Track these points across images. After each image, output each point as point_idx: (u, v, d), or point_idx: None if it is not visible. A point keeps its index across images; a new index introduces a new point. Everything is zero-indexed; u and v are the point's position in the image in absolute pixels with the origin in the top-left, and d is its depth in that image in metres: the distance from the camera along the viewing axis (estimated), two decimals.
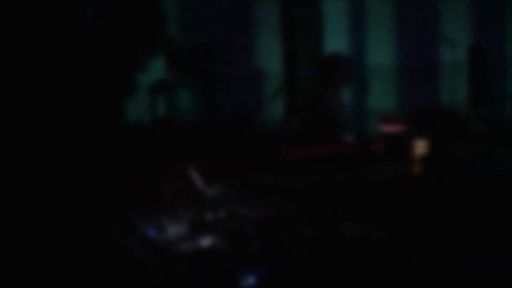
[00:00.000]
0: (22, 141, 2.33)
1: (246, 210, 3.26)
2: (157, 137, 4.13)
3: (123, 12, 2.51)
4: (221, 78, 7.22)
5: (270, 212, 3.27)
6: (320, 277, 2.60)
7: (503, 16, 8.22)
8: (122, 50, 2.49)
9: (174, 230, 3.15)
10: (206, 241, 3.00)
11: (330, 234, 3.01)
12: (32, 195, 2.31)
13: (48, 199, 2.33)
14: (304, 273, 2.63)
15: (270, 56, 7.19)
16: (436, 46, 7.60)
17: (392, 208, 3.55)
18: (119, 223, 2.87)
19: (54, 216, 2.34)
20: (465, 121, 5.79)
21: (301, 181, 4.13)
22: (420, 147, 4.72)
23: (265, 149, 4.55)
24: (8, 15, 2.47)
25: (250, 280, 2.49)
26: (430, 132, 5.01)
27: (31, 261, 2.30)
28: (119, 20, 2.50)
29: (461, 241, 2.99)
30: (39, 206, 2.32)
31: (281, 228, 3.06)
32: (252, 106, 5.22)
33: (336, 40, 7.06)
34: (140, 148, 3.23)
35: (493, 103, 6.91)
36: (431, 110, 5.72)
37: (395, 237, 3.05)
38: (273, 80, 6.59)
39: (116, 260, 2.64)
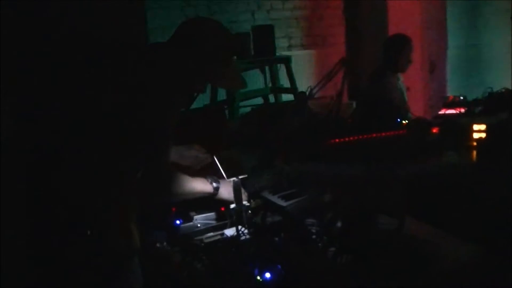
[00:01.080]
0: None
1: (282, 201, 3.12)
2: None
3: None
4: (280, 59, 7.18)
5: (306, 204, 3.12)
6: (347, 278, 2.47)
7: None
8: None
9: (202, 219, 3.06)
10: (230, 231, 2.91)
11: (367, 229, 2.85)
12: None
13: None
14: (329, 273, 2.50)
15: None
16: None
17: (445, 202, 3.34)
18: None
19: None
20: None
21: (349, 169, 3.95)
22: (477, 132, 4.49)
23: (318, 134, 4.39)
24: None
25: (267, 275, 2.37)
26: (493, 117, 4.77)
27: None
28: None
29: None
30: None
31: (314, 222, 2.92)
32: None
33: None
34: None
35: None
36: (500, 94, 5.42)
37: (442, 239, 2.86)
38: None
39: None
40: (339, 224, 2.86)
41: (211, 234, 2.93)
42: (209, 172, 3.06)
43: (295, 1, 7.44)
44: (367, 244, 2.67)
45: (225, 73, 2.81)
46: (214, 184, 2.94)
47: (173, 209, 3.06)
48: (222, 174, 3.01)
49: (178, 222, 3.00)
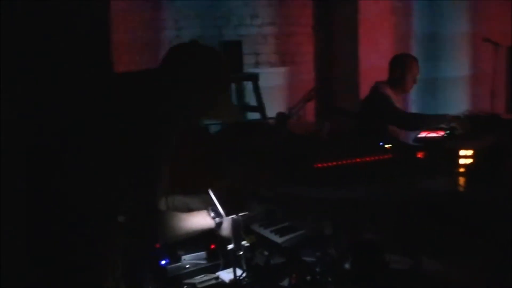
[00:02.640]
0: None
1: (275, 236, 2.80)
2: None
3: None
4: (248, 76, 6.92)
5: (303, 237, 2.81)
6: None
7: None
8: None
9: (190, 258, 2.73)
10: (226, 274, 2.58)
11: (374, 265, 2.57)
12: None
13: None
14: None
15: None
16: None
17: (444, 231, 3.11)
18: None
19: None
20: None
21: (337, 195, 3.67)
22: (464, 157, 4.27)
23: (297, 157, 4.11)
24: None
25: None
26: (479, 142, 4.57)
27: None
28: None
29: None
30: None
31: (316, 259, 2.61)
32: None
33: None
34: None
35: None
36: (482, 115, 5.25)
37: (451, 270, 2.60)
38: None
39: None
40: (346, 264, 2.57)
41: (204, 277, 2.58)
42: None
43: (264, 17, 7.18)
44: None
45: (219, 103, 2.56)
46: (217, 219, 2.61)
47: (157, 245, 2.71)
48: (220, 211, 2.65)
49: (164, 261, 2.66)
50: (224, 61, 2.58)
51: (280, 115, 4.63)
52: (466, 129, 4.95)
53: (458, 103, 7.66)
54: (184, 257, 2.72)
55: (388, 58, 5.61)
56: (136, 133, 2.28)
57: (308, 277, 2.45)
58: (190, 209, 2.79)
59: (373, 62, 6.82)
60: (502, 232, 3.18)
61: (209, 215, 2.61)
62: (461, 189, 4.19)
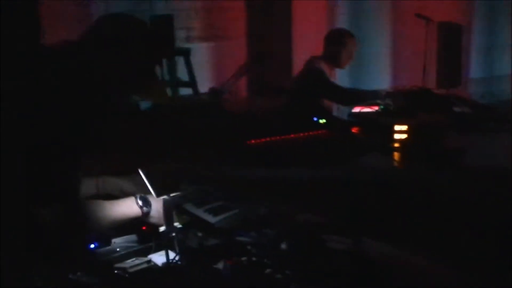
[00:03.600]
0: None
1: (209, 216, 2.69)
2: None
3: None
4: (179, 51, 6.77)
5: (237, 218, 2.71)
6: None
7: None
8: None
9: (121, 241, 2.60)
10: (159, 257, 2.47)
11: (311, 246, 2.49)
12: None
13: None
14: None
15: None
16: None
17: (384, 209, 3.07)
18: None
19: None
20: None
21: (272, 173, 3.59)
22: (398, 132, 4.27)
23: (229, 134, 4.02)
24: None
25: None
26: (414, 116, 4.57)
27: None
28: None
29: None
30: None
31: (252, 240, 2.52)
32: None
33: None
34: None
35: None
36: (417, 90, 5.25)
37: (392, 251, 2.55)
38: None
39: None
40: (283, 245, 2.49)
41: (135, 260, 2.45)
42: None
43: None
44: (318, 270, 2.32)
45: (147, 79, 2.43)
46: (145, 209, 2.49)
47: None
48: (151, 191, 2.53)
49: (92, 245, 2.52)
50: (152, 35, 2.45)
51: (212, 90, 4.53)
52: (400, 105, 4.93)
53: (388, 78, 7.69)
54: (114, 240, 2.59)
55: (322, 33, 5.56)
56: (59, 110, 2.13)
57: (244, 259, 2.35)
58: (123, 191, 2.68)
59: (307, 38, 6.76)
60: (438, 207, 3.16)
61: (137, 202, 2.49)
62: (396, 164, 4.18)
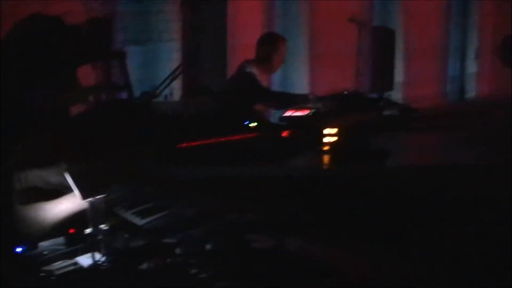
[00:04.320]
0: None
1: (137, 218, 2.73)
2: None
3: None
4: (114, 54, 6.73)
5: (165, 220, 2.76)
6: None
7: None
8: None
9: (48, 244, 2.62)
10: (86, 259, 2.50)
11: (235, 245, 2.56)
12: None
13: None
14: None
15: None
16: None
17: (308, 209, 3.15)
18: None
19: None
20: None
21: (201, 175, 3.64)
22: (328, 135, 4.36)
23: (161, 137, 4.04)
24: None
25: None
26: (344, 119, 4.67)
27: None
28: None
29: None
30: None
31: (178, 241, 2.57)
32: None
33: None
34: None
35: None
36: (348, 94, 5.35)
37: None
38: None
39: None
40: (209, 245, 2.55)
41: (62, 263, 2.48)
42: None
43: None
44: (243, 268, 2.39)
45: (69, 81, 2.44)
46: (74, 205, 2.52)
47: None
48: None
49: (19, 249, 2.53)
50: (78, 36, 2.46)
51: (144, 94, 4.54)
52: (330, 108, 5.01)
53: (321, 81, 7.76)
54: (41, 243, 2.60)
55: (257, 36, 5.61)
56: None
57: (169, 260, 2.40)
58: (48, 184, 2.67)
59: (243, 41, 6.79)
60: (364, 205, 3.26)
61: (67, 201, 2.51)
62: (326, 166, 4.28)
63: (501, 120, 5.94)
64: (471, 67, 9.84)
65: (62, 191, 2.66)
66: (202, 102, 5.40)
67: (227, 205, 3.10)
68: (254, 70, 5.31)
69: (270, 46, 5.39)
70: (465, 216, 3.13)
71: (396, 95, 7.96)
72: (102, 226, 2.56)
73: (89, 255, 2.50)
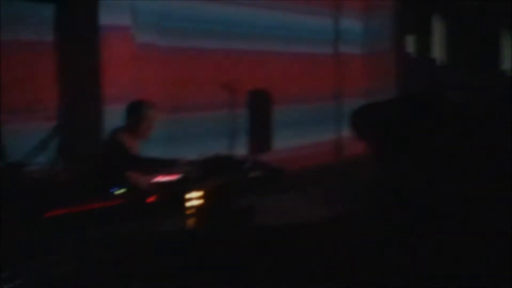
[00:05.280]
0: None
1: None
2: None
3: None
4: None
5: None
6: None
7: None
8: None
9: None
10: None
11: None
12: None
13: None
14: None
15: None
16: None
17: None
18: None
19: None
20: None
21: (68, 242, 3.76)
22: (194, 199, 4.55)
23: (28, 207, 4.12)
24: None
25: None
26: (209, 183, 4.87)
27: None
28: None
29: None
30: None
31: None
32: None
33: None
34: None
35: None
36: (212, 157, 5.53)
37: None
38: None
39: None
40: None
41: None
42: None
43: (2, 61, 6.94)
44: None
45: None
46: None
47: None
48: None
49: None
50: None
51: (8, 165, 4.60)
52: (199, 172, 5.18)
53: (193, 145, 7.81)
54: None
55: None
56: None
57: None
58: None
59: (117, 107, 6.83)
60: (229, 264, 3.46)
61: None
62: (193, 227, 4.45)
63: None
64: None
65: None
66: (73, 170, 5.48)
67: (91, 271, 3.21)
68: (123, 137, 5.38)
69: (136, 114, 5.45)
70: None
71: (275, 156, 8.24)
72: None
73: None
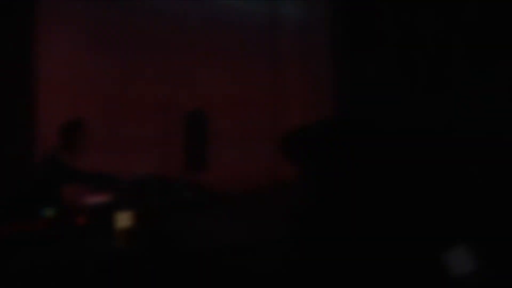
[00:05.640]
0: None
1: None
2: None
3: None
4: None
5: None
6: None
7: None
8: None
9: None
10: None
11: None
12: None
13: None
14: None
15: None
16: None
17: None
18: None
19: None
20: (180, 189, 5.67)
21: None
22: (123, 220, 4.55)
23: None
24: None
25: None
26: (139, 204, 4.88)
27: None
28: None
29: None
30: None
31: None
32: None
33: None
34: None
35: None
36: (144, 177, 5.56)
37: None
38: None
39: None
40: None
41: None
42: None
43: None
44: None
45: None
46: None
47: None
48: None
49: None
50: None
51: None
52: (130, 192, 5.20)
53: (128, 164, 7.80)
54: None
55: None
56: None
57: None
58: None
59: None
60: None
61: None
62: (122, 248, 4.45)
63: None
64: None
65: None
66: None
67: None
68: (58, 156, 5.42)
69: (71, 132, 5.54)
70: None
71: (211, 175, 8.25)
72: None
73: None
